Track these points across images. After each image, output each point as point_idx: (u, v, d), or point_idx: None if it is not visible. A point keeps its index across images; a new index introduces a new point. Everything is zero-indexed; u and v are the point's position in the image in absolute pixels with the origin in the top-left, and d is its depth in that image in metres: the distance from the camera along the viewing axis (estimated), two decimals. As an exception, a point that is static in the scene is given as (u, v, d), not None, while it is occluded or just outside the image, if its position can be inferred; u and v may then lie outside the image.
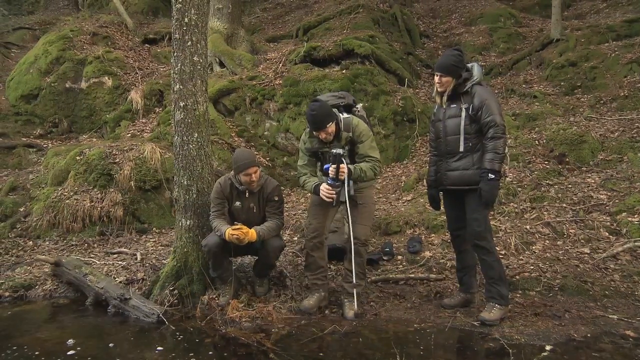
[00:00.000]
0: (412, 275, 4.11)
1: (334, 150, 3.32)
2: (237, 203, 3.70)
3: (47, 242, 5.30)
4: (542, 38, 8.94)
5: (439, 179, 3.50)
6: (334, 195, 3.35)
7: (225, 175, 3.78)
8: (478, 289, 3.62)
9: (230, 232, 3.41)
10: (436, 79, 3.39)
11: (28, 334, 3.40)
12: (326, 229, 3.65)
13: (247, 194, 3.69)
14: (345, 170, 3.34)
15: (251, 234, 3.47)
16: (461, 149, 3.32)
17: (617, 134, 5.72)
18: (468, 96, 3.29)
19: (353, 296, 3.49)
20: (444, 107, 3.42)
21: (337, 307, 3.63)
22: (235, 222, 3.56)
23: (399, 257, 4.45)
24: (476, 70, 3.36)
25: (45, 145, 7.61)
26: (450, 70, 3.31)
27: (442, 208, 3.68)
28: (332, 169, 3.32)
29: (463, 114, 3.27)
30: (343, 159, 3.34)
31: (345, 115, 3.52)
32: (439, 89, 3.40)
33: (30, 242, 5.32)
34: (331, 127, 3.41)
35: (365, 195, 3.58)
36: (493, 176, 3.15)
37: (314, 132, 3.46)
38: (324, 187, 3.37)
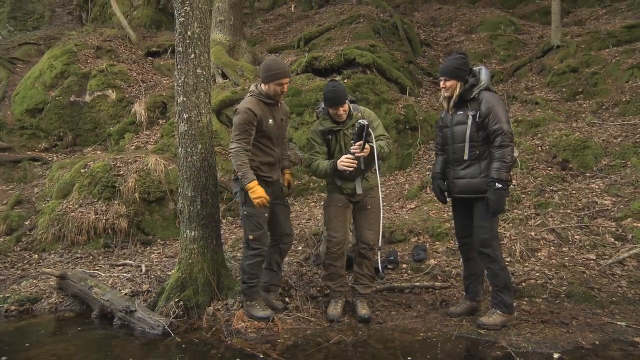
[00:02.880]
0: (418, 284, 4.09)
1: (361, 121, 3.30)
2: (271, 121, 3.49)
3: (53, 255, 5.32)
4: (542, 45, 8.97)
5: (448, 186, 3.50)
6: (355, 165, 3.30)
7: (244, 100, 3.52)
8: (484, 297, 3.60)
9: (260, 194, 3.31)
10: (441, 83, 3.39)
11: (34, 347, 3.41)
12: (347, 238, 3.70)
13: (278, 104, 3.58)
14: (374, 147, 3.35)
15: (288, 178, 3.80)
16: (465, 157, 3.29)
17: (620, 139, 5.71)
18: (475, 102, 3.26)
19: (365, 297, 3.65)
20: (451, 113, 3.40)
21: (343, 317, 3.62)
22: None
23: (404, 266, 4.44)
24: (484, 75, 3.31)
25: (50, 159, 7.67)
26: (454, 74, 3.29)
27: (445, 215, 3.68)
28: (357, 144, 3.30)
29: (469, 121, 3.24)
30: (371, 130, 3.32)
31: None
32: (445, 94, 3.38)
33: (36, 256, 5.34)
34: (347, 105, 3.53)
35: (375, 199, 3.60)
36: (500, 185, 3.11)
37: (334, 108, 3.48)
38: (344, 157, 3.33)
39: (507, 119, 3.19)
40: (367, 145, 3.31)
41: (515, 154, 3.31)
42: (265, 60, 3.69)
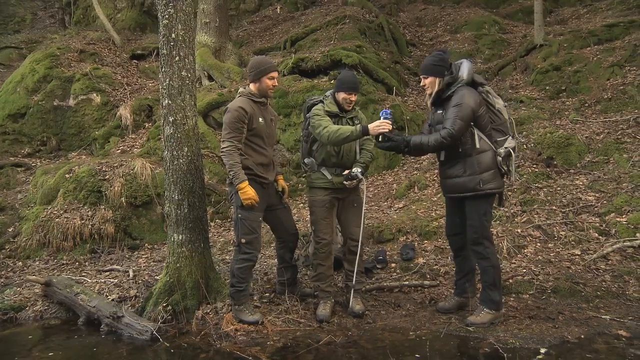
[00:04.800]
0: (407, 283, 4.11)
1: (357, 174, 3.51)
2: (261, 119, 3.50)
3: (37, 262, 5.23)
4: (526, 44, 9.08)
5: (441, 185, 3.55)
6: (390, 126, 3.30)
7: (234, 100, 3.53)
8: (474, 294, 3.62)
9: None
10: (421, 83, 3.43)
11: (19, 357, 3.34)
12: (334, 238, 3.76)
13: (267, 104, 3.62)
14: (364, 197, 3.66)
15: (282, 184, 3.77)
16: (442, 157, 3.36)
17: (602, 136, 5.81)
18: (449, 101, 3.24)
19: (358, 293, 3.70)
20: (432, 111, 3.43)
21: (333, 317, 3.63)
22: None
23: (393, 265, 4.46)
24: (464, 69, 3.25)
25: (33, 164, 7.54)
26: (431, 70, 3.31)
27: (433, 214, 3.71)
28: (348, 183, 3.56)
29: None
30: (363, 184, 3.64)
31: None
32: (427, 92, 3.40)
33: (20, 263, 5.25)
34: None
35: (359, 196, 3.74)
36: (406, 147, 3.24)
37: (349, 93, 3.58)
38: (378, 122, 3.30)
39: (464, 118, 3.12)
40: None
41: (511, 144, 3.30)
42: (250, 60, 3.72)
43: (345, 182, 3.54)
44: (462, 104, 3.15)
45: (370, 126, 3.30)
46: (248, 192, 3.33)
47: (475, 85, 3.31)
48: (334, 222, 3.75)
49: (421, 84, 3.43)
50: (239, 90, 3.61)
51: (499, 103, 3.33)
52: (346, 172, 3.56)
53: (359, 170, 3.51)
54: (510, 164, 3.31)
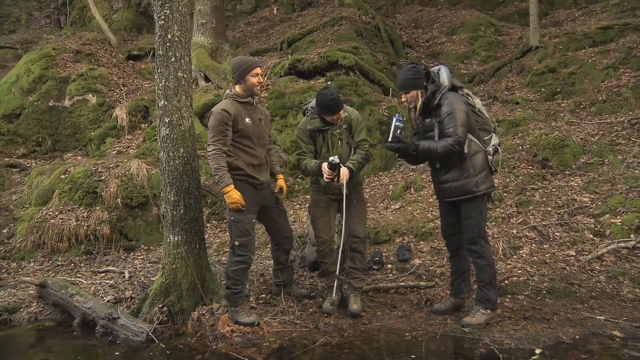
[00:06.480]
0: (403, 284, 4.12)
1: (333, 160, 3.40)
2: (247, 120, 3.48)
3: (32, 264, 5.20)
4: (521, 46, 9.13)
5: (435, 190, 3.60)
6: (330, 179, 3.44)
7: (218, 104, 3.53)
8: (470, 295, 3.63)
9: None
10: (402, 98, 3.50)
11: (13, 359, 3.32)
12: (333, 236, 3.77)
13: (254, 103, 3.59)
14: (346, 173, 3.46)
15: (280, 184, 3.76)
16: (437, 165, 3.40)
17: (597, 137, 5.84)
18: (439, 109, 3.32)
19: (358, 291, 3.72)
20: (418, 122, 3.50)
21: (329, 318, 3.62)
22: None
23: (389, 266, 4.46)
24: (444, 76, 3.35)
25: (28, 165, 7.51)
26: (411, 84, 3.38)
27: (429, 215, 3.72)
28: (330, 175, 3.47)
29: (436, 129, 3.31)
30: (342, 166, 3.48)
31: None
32: (410, 107, 3.50)
33: (14, 264, 5.22)
34: (343, 110, 3.64)
35: (359, 193, 3.75)
36: (414, 150, 3.31)
37: (333, 115, 3.55)
38: (328, 170, 3.42)
39: (463, 123, 3.22)
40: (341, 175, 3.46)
41: (496, 141, 3.42)
42: (232, 62, 3.72)
43: (331, 177, 3.47)
44: (454, 110, 3.23)
45: (322, 167, 3.48)
46: (233, 195, 3.34)
47: (455, 89, 3.40)
48: (333, 220, 3.78)
49: (403, 99, 3.49)
50: (225, 93, 3.62)
51: (478, 103, 3.45)
52: (325, 167, 3.47)
53: (336, 156, 3.41)
54: (497, 160, 3.44)
